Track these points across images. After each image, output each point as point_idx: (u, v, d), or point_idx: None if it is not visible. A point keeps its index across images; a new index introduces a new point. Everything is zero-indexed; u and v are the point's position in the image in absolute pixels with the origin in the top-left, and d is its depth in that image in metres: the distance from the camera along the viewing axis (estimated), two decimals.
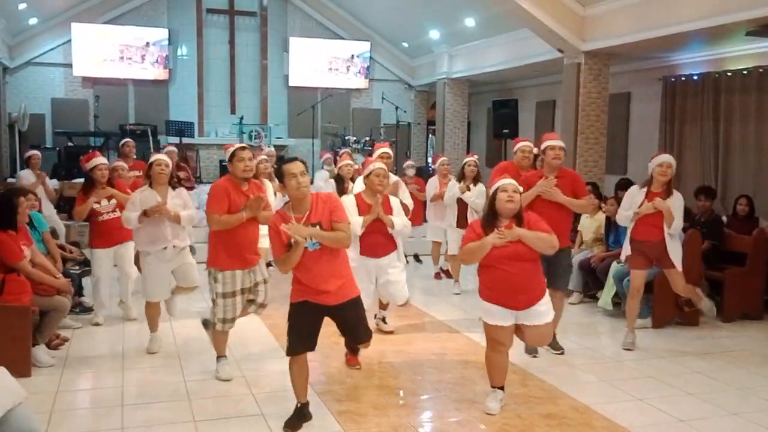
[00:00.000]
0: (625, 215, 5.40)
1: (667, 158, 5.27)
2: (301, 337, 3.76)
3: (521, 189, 4.09)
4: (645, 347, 5.50)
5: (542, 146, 5.08)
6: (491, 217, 3.98)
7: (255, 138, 13.35)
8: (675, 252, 5.26)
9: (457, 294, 7.36)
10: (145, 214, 5.01)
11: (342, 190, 6.59)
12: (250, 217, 4.45)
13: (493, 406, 4.10)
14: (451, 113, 14.29)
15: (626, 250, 5.43)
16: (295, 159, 3.75)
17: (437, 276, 8.29)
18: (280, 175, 3.76)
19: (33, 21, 12.82)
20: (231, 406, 4.22)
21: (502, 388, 4.17)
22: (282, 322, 4.13)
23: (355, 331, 3.94)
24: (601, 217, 7.20)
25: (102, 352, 5.26)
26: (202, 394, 4.39)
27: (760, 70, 8.54)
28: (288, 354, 3.78)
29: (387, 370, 4.91)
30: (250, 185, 4.54)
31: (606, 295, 6.51)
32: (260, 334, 5.71)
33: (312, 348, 3.82)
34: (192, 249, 5.66)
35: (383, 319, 5.80)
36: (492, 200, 4.00)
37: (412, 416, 4.13)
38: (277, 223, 3.69)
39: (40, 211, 6.47)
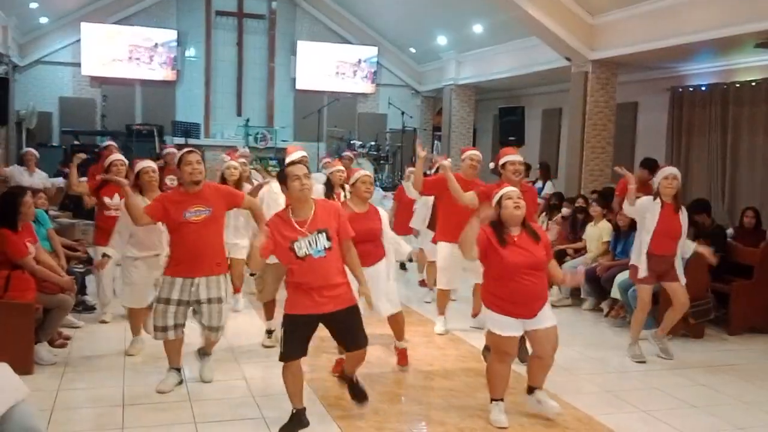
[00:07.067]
0: (638, 209, 5.33)
1: (672, 171, 5.32)
2: (295, 344, 3.68)
3: (521, 195, 4.03)
4: (650, 359, 5.45)
5: (501, 161, 5.33)
6: (500, 226, 3.93)
7: (260, 140, 13.39)
8: (679, 266, 5.36)
9: (428, 302, 7.02)
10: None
11: (330, 197, 6.29)
12: (204, 224, 4.21)
13: (502, 419, 4.02)
14: (458, 119, 14.30)
15: (644, 269, 5.29)
16: (299, 161, 3.69)
17: (422, 283, 8.01)
18: (282, 177, 3.72)
19: (44, 20, 12.90)
20: (232, 408, 4.20)
21: (502, 399, 4.12)
22: None
23: (350, 337, 3.80)
24: (604, 224, 7.15)
25: (104, 352, 5.23)
26: (203, 395, 4.37)
27: None
28: (282, 360, 3.70)
29: (388, 376, 4.88)
30: (208, 188, 4.34)
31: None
32: (261, 335, 5.68)
33: (305, 353, 3.75)
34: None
35: None
36: (497, 209, 3.97)
37: (414, 423, 4.12)
38: (276, 224, 3.66)
39: (46, 210, 6.48)
